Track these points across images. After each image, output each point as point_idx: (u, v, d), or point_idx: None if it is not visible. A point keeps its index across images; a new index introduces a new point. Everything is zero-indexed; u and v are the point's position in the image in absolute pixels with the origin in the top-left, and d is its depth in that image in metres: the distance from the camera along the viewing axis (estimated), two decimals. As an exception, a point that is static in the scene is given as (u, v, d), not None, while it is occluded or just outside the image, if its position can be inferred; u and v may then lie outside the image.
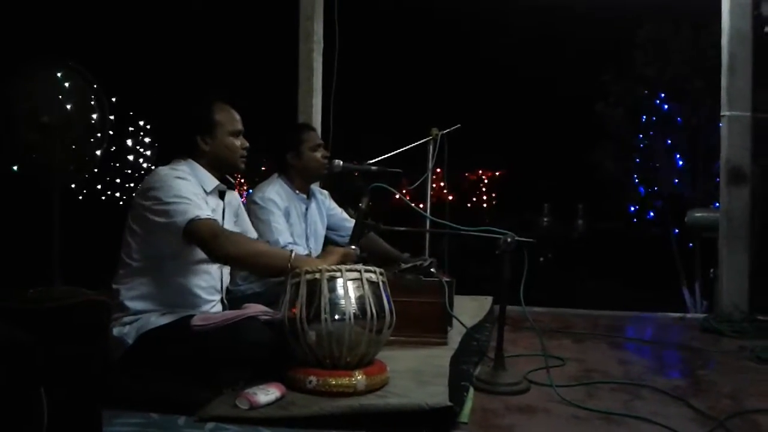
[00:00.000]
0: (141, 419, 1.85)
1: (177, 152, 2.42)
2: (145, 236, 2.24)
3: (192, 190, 2.25)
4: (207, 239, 2.17)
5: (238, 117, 2.47)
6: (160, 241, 2.22)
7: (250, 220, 2.87)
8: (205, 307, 2.35)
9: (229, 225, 2.46)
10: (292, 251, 2.27)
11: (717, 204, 3.98)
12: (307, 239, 3.19)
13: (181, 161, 2.38)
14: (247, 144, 2.49)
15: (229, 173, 2.51)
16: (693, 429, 1.92)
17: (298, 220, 3.17)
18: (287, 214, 3.11)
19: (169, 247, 2.22)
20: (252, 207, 3.04)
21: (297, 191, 3.21)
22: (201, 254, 2.28)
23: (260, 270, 2.37)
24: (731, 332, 3.41)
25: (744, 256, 3.69)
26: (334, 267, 2.11)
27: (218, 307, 2.42)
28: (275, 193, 3.11)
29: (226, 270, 2.49)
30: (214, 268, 2.39)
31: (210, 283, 2.38)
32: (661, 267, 10.58)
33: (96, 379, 1.52)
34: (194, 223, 2.15)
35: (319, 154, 3.22)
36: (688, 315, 4.56)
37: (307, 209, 3.24)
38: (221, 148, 2.41)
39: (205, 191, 2.34)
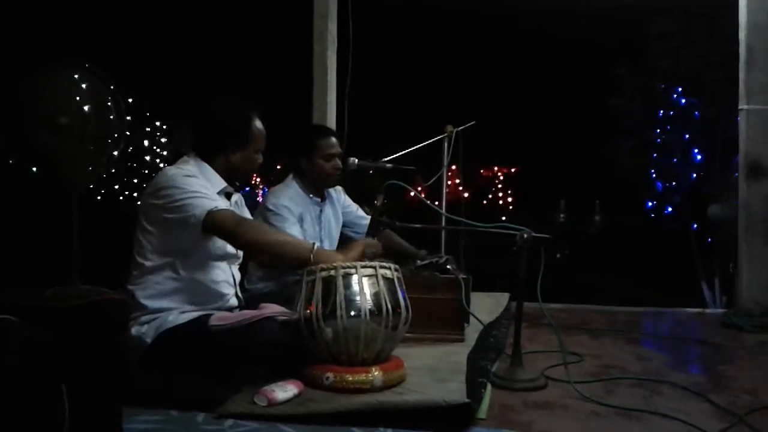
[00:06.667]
0: (161, 416, 1.87)
1: (201, 150, 2.42)
2: (160, 234, 2.27)
3: (204, 184, 2.29)
4: (230, 227, 2.20)
5: (265, 134, 2.48)
6: (177, 238, 2.25)
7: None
8: (222, 300, 2.37)
9: None
10: (314, 243, 2.29)
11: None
12: (321, 242, 3.18)
13: (188, 160, 2.40)
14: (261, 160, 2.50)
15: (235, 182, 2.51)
16: (713, 425, 1.90)
17: (312, 224, 3.16)
18: (301, 219, 3.09)
19: (186, 242, 2.25)
20: (266, 213, 3.03)
21: (311, 195, 3.18)
22: (215, 249, 2.32)
23: (282, 258, 2.31)
24: (751, 327, 3.37)
25: (764, 250, 3.65)
26: (349, 264, 2.12)
27: (233, 301, 2.44)
28: (289, 198, 3.08)
29: (235, 267, 2.51)
30: (224, 264, 2.41)
31: (222, 277, 2.40)
32: (679, 263, 10.49)
33: (116, 376, 1.53)
34: (213, 213, 2.19)
35: (330, 165, 3.14)
36: (708, 310, 4.51)
37: (321, 212, 3.22)
38: (245, 162, 2.43)
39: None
